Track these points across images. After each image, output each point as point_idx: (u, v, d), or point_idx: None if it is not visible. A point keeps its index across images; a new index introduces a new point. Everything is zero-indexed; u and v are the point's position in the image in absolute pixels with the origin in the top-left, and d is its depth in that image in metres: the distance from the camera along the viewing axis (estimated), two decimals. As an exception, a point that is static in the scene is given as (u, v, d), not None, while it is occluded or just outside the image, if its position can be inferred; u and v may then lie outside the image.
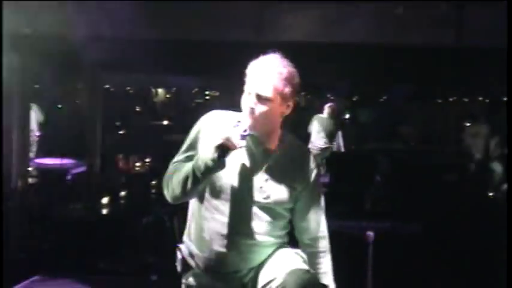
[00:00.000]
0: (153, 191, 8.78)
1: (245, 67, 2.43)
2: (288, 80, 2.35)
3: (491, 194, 9.25)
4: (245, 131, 2.28)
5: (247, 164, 2.40)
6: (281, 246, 2.54)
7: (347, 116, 15.24)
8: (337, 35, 6.12)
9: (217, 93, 18.10)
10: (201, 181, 2.30)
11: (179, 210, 6.69)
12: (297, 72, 2.43)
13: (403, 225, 5.24)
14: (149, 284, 5.31)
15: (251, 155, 2.41)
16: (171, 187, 2.41)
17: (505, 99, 14.41)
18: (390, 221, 5.16)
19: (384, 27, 6.06)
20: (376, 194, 8.45)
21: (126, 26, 6.86)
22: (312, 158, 2.56)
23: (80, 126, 10.01)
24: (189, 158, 2.41)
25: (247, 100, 2.36)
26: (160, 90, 19.21)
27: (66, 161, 8.76)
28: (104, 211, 7.42)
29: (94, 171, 9.20)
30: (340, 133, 11.08)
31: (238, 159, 2.38)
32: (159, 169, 10.32)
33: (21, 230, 6.20)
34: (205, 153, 2.26)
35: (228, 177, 2.38)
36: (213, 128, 2.39)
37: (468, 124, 15.25)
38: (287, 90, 2.34)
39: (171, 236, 6.37)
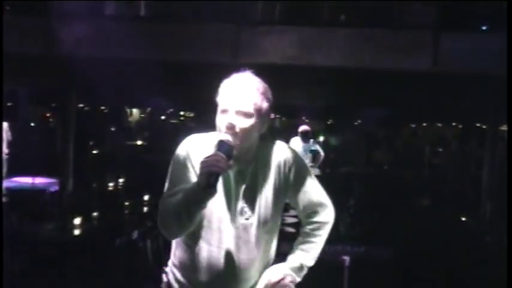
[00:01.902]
0: (127, 211, 8.67)
1: (216, 88, 2.39)
2: (265, 95, 2.28)
3: (463, 219, 9.33)
4: (230, 149, 2.23)
5: (226, 187, 2.29)
6: (269, 265, 2.48)
7: (321, 138, 15.31)
8: (312, 59, 6.17)
9: (191, 114, 18.10)
10: (197, 214, 2.20)
11: (152, 231, 6.62)
12: (270, 91, 2.41)
13: (378, 249, 5.23)
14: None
15: (228, 177, 2.29)
16: (167, 224, 2.23)
17: (477, 125, 14.70)
18: (364, 246, 5.15)
19: (360, 52, 6.13)
20: (350, 217, 8.46)
21: (103, 45, 6.83)
22: (291, 153, 2.50)
23: (52, 146, 9.88)
24: (180, 190, 2.30)
25: (225, 118, 2.31)
26: (134, 111, 19.13)
27: (38, 181, 8.60)
28: (77, 231, 7.28)
29: (66, 191, 9.06)
30: (316, 155, 11.10)
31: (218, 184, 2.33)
32: (132, 189, 10.34)
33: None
34: (196, 185, 2.20)
35: (210, 203, 2.31)
36: (198, 154, 2.30)
37: (441, 149, 15.48)
38: (265, 105, 2.27)
39: (144, 257, 6.30)
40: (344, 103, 12.72)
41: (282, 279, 2.43)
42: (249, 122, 2.23)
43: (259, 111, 2.26)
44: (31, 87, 11.03)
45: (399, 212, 9.00)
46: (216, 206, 2.28)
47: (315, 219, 2.55)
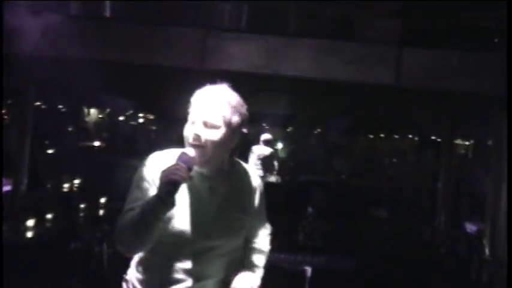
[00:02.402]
0: (82, 214, 8.49)
1: (185, 93, 2.35)
2: (237, 109, 2.25)
3: (420, 229, 9.49)
4: (191, 160, 2.12)
5: (194, 203, 2.24)
6: (229, 277, 2.45)
7: (280, 146, 15.37)
8: (277, 67, 6.18)
9: (151, 117, 17.91)
10: (154, 226, 2.08)
11: (109, 236, 6.49)
12: (245, 104, 2.35)
13: (338, 260, 5.26)
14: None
15: (197, 193, 2.25)
16: (124, 239, 2.13)
17: (433, 137, 15.00)
18: (324, 256, 5.17)
19: (324, 62, 6.17)
20: (309, 226, 8.49)
21: (64, 44, 6.70)
22: (260, 182, 2.50)
23: (7, 144, 9.61)
24: (138, 206, 2.22)
25: (192, 129, 2.22)
26: (92, 111, 18.79)
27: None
28: (29, 233, 7.08)
29: (20, 191, 8.83)
30: (275, 163, 11.13)
31: (184, 198, 2.21)
32: (88, 191, 10.14)
33: None
34: (155, 195, 2.06)
35: (175, 219, 2.19)
36: (159, 168, 2.13)
37: (395, 160, 15.74)
38: (235, 119, 2.23)
39: (99, 261, 6.18)
40: (306, 112, 12.81)
41: None
42: (216, 135, 2.19)
43: (228, 124, 2.22)
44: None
45: (358, 222, 9.09)
46: (183, 222, 2.22)
47: (265, 237, 2.59)
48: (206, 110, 2.23)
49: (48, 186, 10.23)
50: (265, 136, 10.68)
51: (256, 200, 2.46)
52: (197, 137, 2.21)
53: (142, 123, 17.96)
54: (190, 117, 2.27)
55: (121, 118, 18.43)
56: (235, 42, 6.05)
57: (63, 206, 8.51)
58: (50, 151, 12.68)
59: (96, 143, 16.41)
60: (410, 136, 16.09)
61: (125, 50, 6.45)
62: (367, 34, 6.32)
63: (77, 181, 10.97)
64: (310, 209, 9.93)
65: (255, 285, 2.41)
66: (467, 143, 13.35)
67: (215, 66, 6.09)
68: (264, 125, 14.93)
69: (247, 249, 2.56)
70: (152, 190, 2.17)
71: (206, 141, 2.20)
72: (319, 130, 16.88)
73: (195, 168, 2.20)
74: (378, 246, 7.51)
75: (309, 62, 6.25)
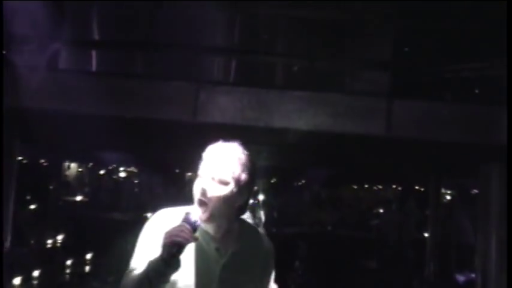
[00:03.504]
0: (68, 270, 8.32)
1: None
2: (246, 167, 2.22)
3: (411, 280, 9.45)
4: (196, 221, 2.08)
5: (200, 263, 2.20)
6: None
7: (261, 197, 15.30)
8: (269, 119, 6.21)
9: (134, 170, 17.82)
10: (158, 285, 2.07)
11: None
12: (255, 164, 2.33)
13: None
14: None
15: (203, 253, 2.21)
16: None
17: (416, 187, 15.12)
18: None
19: (313, 114, 6.23)
20: (299, 278, 8.42)
21: (52, 98, 6.67)
22: (272, 246, 2.46)
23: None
24: (144, 265, 2.11)
25: (199, 184, 2.19)
26: (72, 165, 18.64)
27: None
28: (17, 292, 6.91)
29: (4, 248, 8.61)
30: (261, 216, 11.08)
31: (190, 260, 2.17)
32: (73, 247, 9.96)
33: None
34: (159, 257, 2.03)
35: (180, 279, 2.14)
36: (165, 229, 2.10)
37: (382, 210, 15.78)
38: (244, 176, 2.20)
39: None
40: (292, 163, 12.84)
41: None
42: (223, 191, 2.17)
43: (237, 181, 2.19)
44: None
45: (348, 273, 9.03)
46: (186, 282, 2.17)
47: None
48: (215, 166, 2.21)
49: (32, 242, 10.03)
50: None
51: (268, 266, 2.41)
52: (204, 192, 2.18)
53: (125, 176, 17.84)
54: (199, 173, 2.25)
55: (102, 172, 18.31)
56: (226, 95, 6.09)
57: (49, 263, 8.33)
58: (32, 206, 12.49)
59: (79, 198, 16.25)
60: (394, 186, 16.20)
61: (114, 103, 6.43)
62: (357, 86, 6.42)
63: (60, 237, 10.80)
64: (297, 262, 9.87)
65: None
66: (450, 192, 13.48)
67: (206, 119, 6.10)
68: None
69: None
70: (157, 249, 2.12)
71: (212, 196, 2.17)
72: (303, 181, 16.91)
73: (202, 226, 2.17)
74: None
75: (298, 114, 6.29)
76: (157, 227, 2.22)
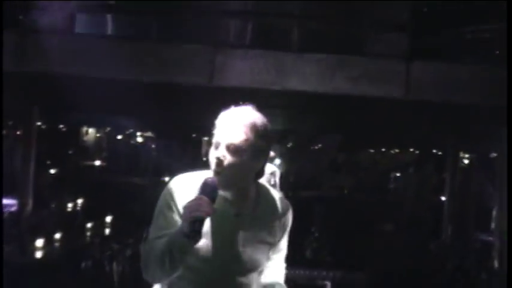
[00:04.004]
0: (89, 233, 8.47)
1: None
2: (261, 132, 2.13)
3: (428, 243, 9.48)
4: (214, 190, 2.05)
5: (220, 231, 2.18)
6: None
7: (278, 162, 15.34)
8: (286, 83, 6.19)
9: (151, 135, 17.90)
10: (181, 260, 2.09)
11: (118, 255, 6.46)
12: (271, 128, 2.31)
13: (349, 274, 5.25)
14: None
15: (222, 220, 2.18)
16: (151, 271, 2.14)
17: (434, 151, 15.05)
18: (336, 271, 5.15)
19: (331, 77, 6.18)
20: (316, 242, 8.48)
21: (69, 63, 6.70)
22: (290, 208, 2.48)
23: (12, 165, 9.60)
24: (164, 235, 2.12)
25: (215, 152, 2.12)
26: (90, 130, 18.78)
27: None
28: (38, 253, 7.05)
29: (26, 212, 8.80)
30: (277, 180, 11.12)
31: (210, 228, 2.15)
32: (92, 210, 10.13)
33: None
34: (179, 231, 2.02)
35: (201, 248, 2.13)
36: (183, 196, 2.11)
37: (399, 174, 15.77)
38: (260, 142, 2.13)
39: (110, 279, 6.16)
40: (306, 127, 12.82)
41: None
42: (240, 158, 2.11)
43: (252, 148, 2.13)
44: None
45: (364, 236, 9.07)
46: (209, 251, 2.18)
47: (280, 260, 2.53)
48: (230, 133, 2.15)
49: (53, 206, 10.20)
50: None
51: (285, 226, 2.43)
52: (220, 162, 2.15)
53: (142, 141, 17.95)
54: (214, 141, 2.22)
55: (119, 137, 18.43)
56: (243, 58, 6.07)
57: (69, 226, 8.49)
58: (52, 171, 12.66)
59: (97, 163, 16.41)
60: (411, 150, 16.13)
61: (133, 67, 6.45)
62: (376, 48, 6.34)
63: (80, 200, 10.98)
64: (314, 226, 9.93)
65: None
66: (468, 155, 13.39)
67: (223, 83, 6.09)
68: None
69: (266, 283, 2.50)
70: (177, 217, 2.13)
71: (229, 165, 2.15)
72: (319, 145, 16.88)
73: (220, 193, 2.17)
74: (387, 260, 7.50)
75: (316, 77, 6.26)
76: (175, 195, 2.20)
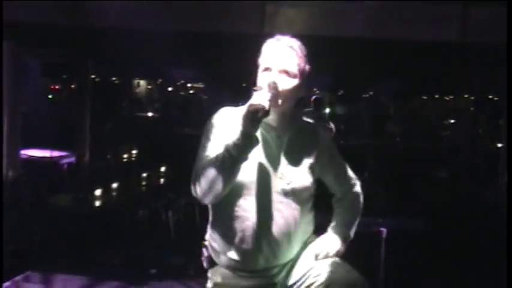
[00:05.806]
0: (144, 183, 8.69)
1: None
2: (306, 59, 2.31)
3: (483, 191, 9.34)
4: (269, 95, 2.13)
5: (263, 152, 2.29)
6: (310, 238, 2.48)
7: (328, 110, 15.22)
8: (336, 29, 6.09)
9: (201, 86, 18.03)
10: (239, 160, 2.13)
11: (174, 204, 6.61)
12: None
13: (407, 221, 5.23)
14: (147, 276, 5.21)
15: (265, 142, 2.29)
16: (206, 180, 2.18)
17: (490, 96, 14.63)
18: (393, 218, 5.13)
19: (383, 23, 6.04)
20: (370, 190, 8.44)
21: (118, 16, 6.73)
22: (322, 132, 2.52)
23: (68, 117, 9.87)
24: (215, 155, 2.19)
25: (268, 76, 2.21)
26: (142, 82, 19.03)
27: (55, 152, 8.59)
28: (97, 203, 7.29)
29: (84, 163, 9.08)
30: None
31: (256, 148, 2.21)
32: (147, 161, 10.35)
33: (11, 223, 6.05)
34: (238, 133, 2.10)
35: (246, 170, 2.22)
36: (230, 125, 2.20)
37: (453, 121, 15.45)
38: (307, 67, 2.30)
39: (166, 228, 6.33)
40: (360, 74, 12.64)
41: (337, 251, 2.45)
42: (292, 83, 2.24)
43: (302, 73, 2.27)
44: (44, 59, 10.95)
45: (419, 184, 9.00)
46: (254, 173, 2.26)
47: (350, 194, 2.58)
48: (283, 58, 2.27)
49: (109, 157, 10.48)
50: (316, 98, 10.53)
51: (325, 150, 2.47)
52: (275, 85, 2.22)
53: (193, 92, 18.09)
54: (263, 65, 2.29)
55: (170, 88, 18.62)
56: (292, 6, 5.98)
57: (125, 176, 8.71)
58: (107, 123, 12.95)
59: (150, 114, 16.67)
60: (466, 96, 15.71)
61: (181, 18, 6.45)
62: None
63: (134, 151, 11.23)
64: (366, 173, 9.88)
65: (333, 250, 2.43)
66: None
67: (273, 31, 6.04)
68: (314, 89, 14.81)
69: (335, 208, 2.59)
70: (225, 141, 2.19)
71: (282, 89, 2.23)
72: (371, 93, 16.64)
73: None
74: (443, 207, 7.44)
75: (368, 23, 6.12)
76: (223, 123, 2.31)
